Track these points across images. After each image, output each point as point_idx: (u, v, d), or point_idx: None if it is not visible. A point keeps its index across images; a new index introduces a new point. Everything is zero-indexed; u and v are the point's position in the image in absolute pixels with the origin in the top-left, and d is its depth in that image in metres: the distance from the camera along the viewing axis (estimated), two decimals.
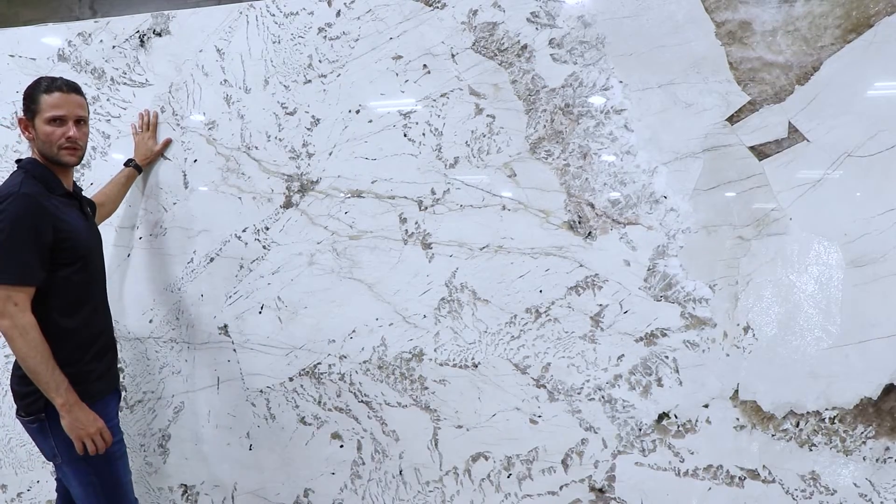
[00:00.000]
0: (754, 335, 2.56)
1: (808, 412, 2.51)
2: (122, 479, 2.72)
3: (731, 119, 2.54)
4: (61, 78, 2.69)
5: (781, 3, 2.46)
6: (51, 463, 2.72)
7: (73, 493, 2.68)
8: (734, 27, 2.52)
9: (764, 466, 2.57)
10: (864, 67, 2.40)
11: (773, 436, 2.55)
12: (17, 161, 2.68)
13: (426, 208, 2.91)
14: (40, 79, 2.67)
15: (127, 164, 3.24)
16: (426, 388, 2.95)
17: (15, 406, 2.66)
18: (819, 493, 2.51)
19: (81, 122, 2.69)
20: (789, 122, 2.48)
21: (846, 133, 2.43)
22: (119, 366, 3.37)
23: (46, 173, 2.64)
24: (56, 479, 2.95)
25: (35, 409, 2.58)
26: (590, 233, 2.71)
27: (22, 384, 2.59)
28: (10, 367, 3.66)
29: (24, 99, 2.65)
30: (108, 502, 2.66)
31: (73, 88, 2.68)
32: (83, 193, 3.00)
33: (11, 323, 2.43)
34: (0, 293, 2.44)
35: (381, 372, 3.01)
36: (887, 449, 2.44)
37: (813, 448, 2.51)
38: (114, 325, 3.15)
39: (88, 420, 2.53)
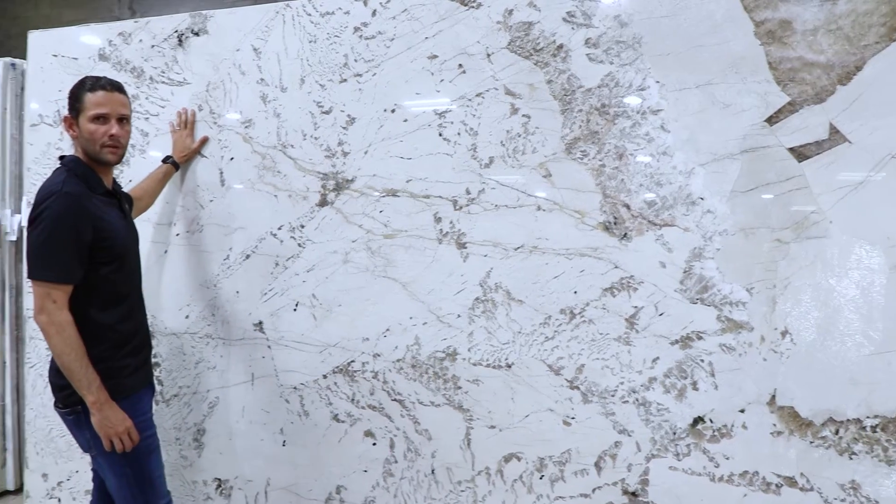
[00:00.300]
0: (792, 340, 2.52)
1: (848, 420, 2.46)
2: (154, 471, 2.75)
3: (770, 120, 2.50)
4: (105, 77, 2.71)
5: (823, 1, 2.41)
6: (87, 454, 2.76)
7: (108, 485, 2.72)
8: (774, 26, 2.47)
9: (802, 474, 2.52)
10: None
11: (811, 443, 2.50)
12: (61, 158, 2.72)
13: (461, 208, 2.90)
14: (85, 78, 2.70)
15: (165, 160, 3.28)
16: (459, 387, 2.95)
17: (53, 398, 2.69)
18: (859, 502, 2.46)
19: (124, 120, 2.71)
20: (830, 123, 2.43)
21: (890, 134, 2.38)
22: (155, 360, 3.42)
23: (88, 172, 2.66)
24: (92, 470, 2.98)
25: (71, 402, 2.61)
26: (625, 234, 2.69)
27: (59, 377, 2.62)
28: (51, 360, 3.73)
29: (70, 97, 2.68)
30: (140, 493, 2.69)
31: (117, 87, 2.70)
32: (122, 189, 3.03)
33: (49, 320, 2.47)
34: (39, 290, 2.48)
35: (415, 371, 3.01)
36: None
37: (853, 457, 2.46)
38: (151, 320, 3.20)
39: (117, 419, 2.55)
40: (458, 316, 2.93)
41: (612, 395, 2.73)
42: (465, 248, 2.91)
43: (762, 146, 2.51)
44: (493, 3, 2.81)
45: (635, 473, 2.72)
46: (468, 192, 2.89)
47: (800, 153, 2.47)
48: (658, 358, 2.67)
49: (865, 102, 2.40)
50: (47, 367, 3.75)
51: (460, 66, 2.88)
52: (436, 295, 2.96)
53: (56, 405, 2.69)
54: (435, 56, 2.91)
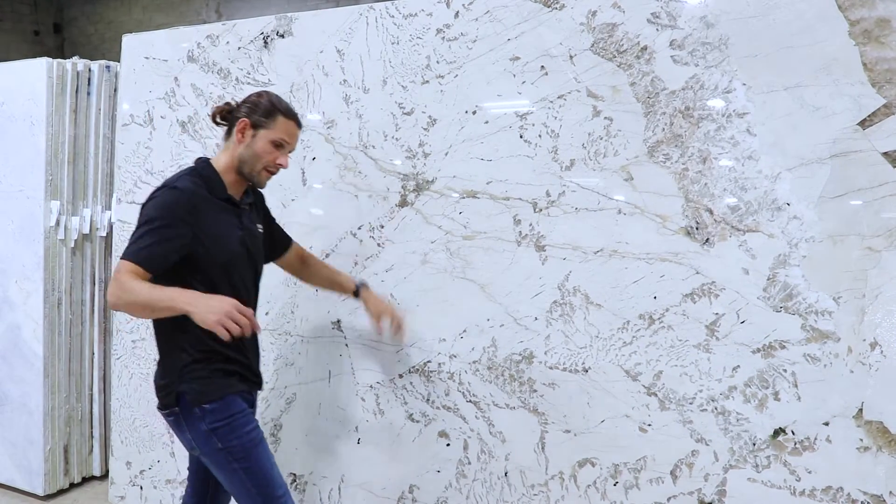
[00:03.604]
0: (882, 352, 2.43)
1: None
2: (265, 463, 2.63)
3: (864, 123, 2.42)
4: (294, 109, 2.71)
5: None
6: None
7: (222, 483, 2.68)
8: (870, 25, 2.40)
9: (891, 493, 2.42)
10: None
11: None
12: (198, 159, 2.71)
13: (541, 210, 2.89)
14: (280, 98, 2.68)
15: (359, 284, 3.07)
16: (535, 390, 2.93)
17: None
18: None
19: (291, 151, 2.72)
20: None
21: None
22: None
23: (213, 176, 2.63)
24: (188, 468, 2.96)
25: (169, 403, 2.59)
26: (707, 239, 2.64)
27: (159, 377, 2.62)
28: (136, 350, 3.85)
29: (261, 108, 2.62)
30: (255, 487, 2.60)
31: (301, 125, 2.72)
32: (263, 203, 2.97)
33: (111, 290, 2.37)
34: (118, 266, 2.41)
35: (491, 373, 3.01)
36: None
37: None
38: None
39: (219, 302, 2.34)
40: (536, 319, 2.92)
41: (691, 403, 2.68)
42: (544, 250, 2.90)
43: (854, 150, 2.43)
44: (577, 5, 2.79)
45: (712, 484, 2.66)
46: (548, 195, 2.88)
47: (895, 158, 2.39)
48: (739, 366, 2.61)
49: None
50: (132, 359, 3.88)
51: (542, 67, 2.88)
52: (513, 297, 2.95)
53: (157, 406, 2.66)
54: (517, 58, 2.91)
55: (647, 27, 2.70)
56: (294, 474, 3.46)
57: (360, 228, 3.24)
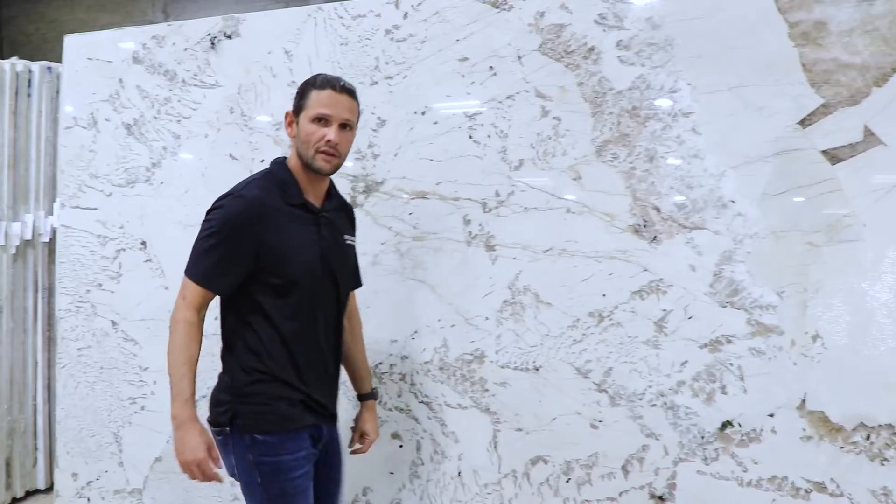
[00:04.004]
0: (823, 344, 2.50)
1: (880, 425, 2.43)
2: None
3: (804, 122, 2.49)
4: (341, 78, 2.42)
5: (860, 2, 2.40)
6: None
7: None
8: (809, 27, 2.47)
9: (832, 479, 2.49)
10: None
11: (841, 448, 2.47)
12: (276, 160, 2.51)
13: (490, 210, 2.91)
14: (318, 74, 2.44)
15: (371, 393, 2.80)
16: (487, 390, 2.95)
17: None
18: None
19: (347, 127, 2.38)
20: (865, 126, 2.42)
21: None
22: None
23: (288, 178, 2.39)
24: None
25: (221, 422, 2.35)
26: (655, 237, 2.68)
27: (217, 389, 2.43)
28: (81, 358, 3.77)
29: (297, 93, 2.42)
30: None
31: (347, 90, 2.38)
32: (347, 206, 2.69)
33: (173, 315, 2.29)
34: (182, 284, 2.32)
35: (442, 373, 3.02)
36: None
37: (885, 462, 2.43)
38: None
39: (190, 445, 2.23)
40: (487, 318, 2.94)
41: (640, 399, 2.72)
42: (494, 250, 2.91)
43: (794, 149, 2.50)
44: (525, 6, 2.82)
45: (662, 477, 2.70)
46: (498, 195, 2.90)
47: (833, 156, 2.46)
48: (687, 361, 2.66)
49: None
50: (77, 367, 3.80)
51: (491, 68, 2.90)
52: (464, 297, 2.97)
53: (208, 419, 2.41)
54: (466, 58, 2.93)
55: (594, 28, 2.73)
56: None
57: None
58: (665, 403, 2.68)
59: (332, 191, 2.53)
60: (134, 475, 3.62)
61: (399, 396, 3.09)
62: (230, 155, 3.34)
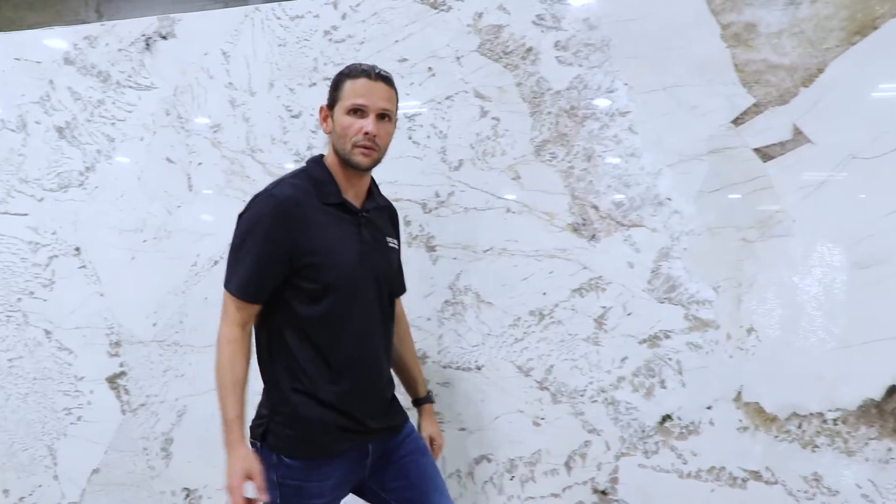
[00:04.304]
0: (757, 337, 2.56)
1: (811, 414, 2.51)
2: None
3: (736, 121, 2.55)
4: (376, 66, 2.27)
5: (787, 5, 2.47)
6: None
7: None
8: (739, 29, 2.53)
9: (767, 468, 2.56)
10: (869, 70, 2.42)
11: (775, 437, 2.54)
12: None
13: (430, 211, 2.92)
14: (351, 63, 2.30)
15: (427, 396, 2.69)
16: (429, 390, 2.94)
17: None
18: (822, 494, 2.50)
19: (386, 118, 2.23)
20: (794, 125, 2.49)
21: (850, 135, 2.44)
22: (121, 370, 3.37)
23: (325, 176, 2.25)
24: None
25: (254, 435, 2.25)
26: (594, 235, 2.72)
27: (260, 402, 2.31)
28: (13, 369, 3.66)
29: (330, 85, 2.29)
30: None
31: (383, 77, 2.24)
32: (387, 205, 2.53)
33: (218, 334, 2.18)
34: (224, 295, 2.19)
35: None
36: (889, 450, 2.44)
37: (816, 450, 2.51)
38: (117, 328, 3.15)
39: (233, 470, 2.09)
40: (428, 319, 2.94)
41: (582, 395, 2.75)
42: (435, 250, 2.92)
43: (728, 147, 2.56)
44: (463, 7, 2.84)
45: (605, 472, 2.74)
46: (437, 195, 2.91)
47: (764, 153, 2.52)
48: (626, 357, 2.70)
49: (826, 104, 2.46)
50: (8, 378, 3.69)
51: (430, 69, 2.91)
52: (405, 298, 2.95)
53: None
54: (405, 59, 2.93)
55: (532, 29, 2.76)
56: (188, 489, 3.36)
57: None
58: (606, 399, 2.72)
59: (373, 189, 2.38)
60: (70, 489, 3.53)
61: None
62: (167, 158, 3.29)
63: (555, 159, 2.76)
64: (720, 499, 2.62)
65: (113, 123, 3.37)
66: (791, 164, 2.50)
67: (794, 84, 2.48)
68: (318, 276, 2.15)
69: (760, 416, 2.56)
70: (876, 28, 2.40)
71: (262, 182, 3.11)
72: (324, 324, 2.18)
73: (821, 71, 2.46)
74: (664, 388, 2.66)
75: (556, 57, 2.74)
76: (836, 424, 2.48)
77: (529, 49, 2.77)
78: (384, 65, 2.91)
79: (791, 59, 2.48)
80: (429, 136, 2.92)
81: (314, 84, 3.06)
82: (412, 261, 2.93)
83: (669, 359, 2.65)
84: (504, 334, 2.84)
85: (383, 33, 2.95)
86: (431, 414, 2.65)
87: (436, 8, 2.88)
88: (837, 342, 2.48)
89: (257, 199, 2.19)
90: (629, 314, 2.68)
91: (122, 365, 3.37)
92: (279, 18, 3.10)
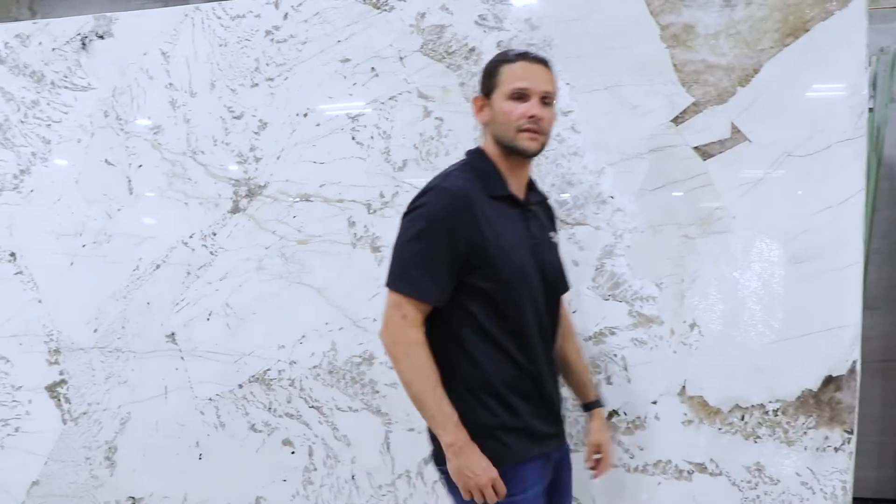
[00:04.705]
0: (700, 332, 2.61)
1: (752, 405, 2.57)
2: None
3: (676, 120, 2.60)
4: (532, 50, 2.20)
5: (723, 6, 2.52)
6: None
7: None
8: (678, 30, 2.58)
9: (711, 460, 2.61)
10: (802, 70, 2.48)
11: (719, 429, 2.60)
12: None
13: (375, 211, 2.91)
14: (506, 49, 2.25)
15: (596, 400, 2.47)
16: (377, 391, 2.94)
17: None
18: (763, 483, 2.57)
19: (548, 101, 2.12)
20: (732, 123, 2.54)
21: (786, 133, 2.50)
22: (62, 377, 3.30)
23: (489, 168, 2.14)
24: None
25: (442, 459, 2.10)
26: None
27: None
28: None
29: (483, 73, 2.18)
30: None
31: (541, 61, 2.13)
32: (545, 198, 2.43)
33: (393, 339, 2.06)
34: (391, 300, 2.06)
35: (332, 377, 3.00)
36: (826, 438, 2.51)
37: (757, 440, 2.57)
38: (56, 335, 3.09)
39: (480, 467, 2.00)
40: (374, 320, 2.92)
41: None
42: (380, 251, 2.91)
43: (669, 145, 2.60)
44: (406, 7, 2.83)
45: None
46: (382, 196, 2.90)
47: (704, 152, 2.57)
48: None
49: (762, 103, 2.52)
50: None
51: (373, 69, 2.90)
52: (351, 300, 2.96)
53: (431, 455, 2.23)
54: (348, 59, 2.92)
55: (474, 29, 2.77)
56: (133, 498, 3.30)
57: (191, 237, 3.13)
58: None
59: (532, 182, 2.29)
60: (8, 502, 3.44)
61: (289, 402, 3.05)
62: (105, 160, 3.22)
63: None
64: (666, 492, 2.67)
65: (48, 125, 3.29)
66: (730, 161, 2.55)
67: (731, 84, 2.54)
68: (493, 274, 2.05)
69: (704, 410, 2.61)
70: (807, 31, 2.47)
71: (204, 184, 3.08)
72: (502, 326, 2.09)
73: (757, 71, 2.51)
74: (610, 384, 2.70)
75: None
76: (776, 415, 2.55)
77: (472, 49, 2.78)
78: (327, 65, 2.92)
79: (728, 60, 2.53)
80: (372, 137, 2.91)
81: (256, 84, 3.03)
82: (357, 262, 2.93)
83: (615, 355, 2.69)
84: None
85: (325, 33, 2.93)
86: (602, 419, 2.46)
87: (378, 8, 2.87)
88: (776, 335, 2.54)
89: (428, 194, 2.09)
90: (574, 312, 2.71)
91: (62, 373, 3.30)
92: (220, 18, 3.06)
